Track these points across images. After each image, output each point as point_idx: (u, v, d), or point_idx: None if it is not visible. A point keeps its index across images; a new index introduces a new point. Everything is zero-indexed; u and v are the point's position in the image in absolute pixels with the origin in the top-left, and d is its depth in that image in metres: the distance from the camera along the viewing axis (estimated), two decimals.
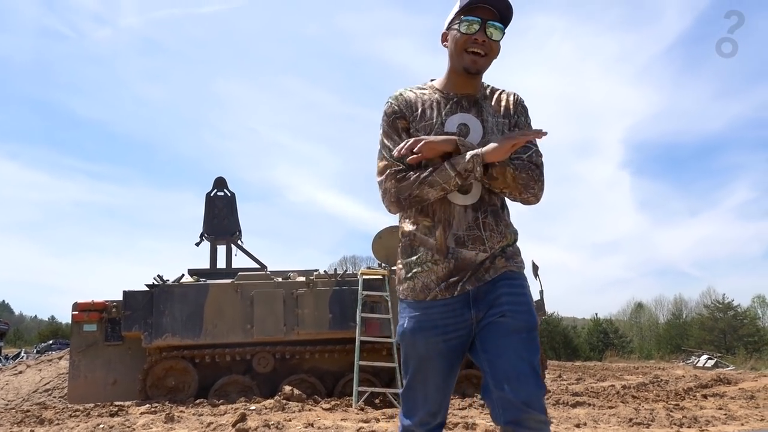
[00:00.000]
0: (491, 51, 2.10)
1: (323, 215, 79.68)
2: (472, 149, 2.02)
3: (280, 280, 9.12)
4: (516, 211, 2.21)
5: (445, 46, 2.19)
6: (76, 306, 8.94)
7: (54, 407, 8.73)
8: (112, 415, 7.31)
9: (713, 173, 70.66)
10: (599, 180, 70.35)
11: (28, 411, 8.16)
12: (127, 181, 79.71)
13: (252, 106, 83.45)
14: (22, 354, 24.58)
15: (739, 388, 10.75)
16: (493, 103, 2.19)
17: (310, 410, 7.20)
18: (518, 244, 2.20)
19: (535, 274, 9.28)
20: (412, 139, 2.03)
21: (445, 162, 2.03)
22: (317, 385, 8.86)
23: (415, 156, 2.02)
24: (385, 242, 9.67)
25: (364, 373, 8.47)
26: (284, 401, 7.58)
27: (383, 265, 9.60)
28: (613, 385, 11.78)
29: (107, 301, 8.97)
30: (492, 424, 5.93)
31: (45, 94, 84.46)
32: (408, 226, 2.16)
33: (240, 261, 10.89)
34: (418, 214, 2.13)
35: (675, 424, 6.23)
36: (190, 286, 8.86)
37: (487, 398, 2.00)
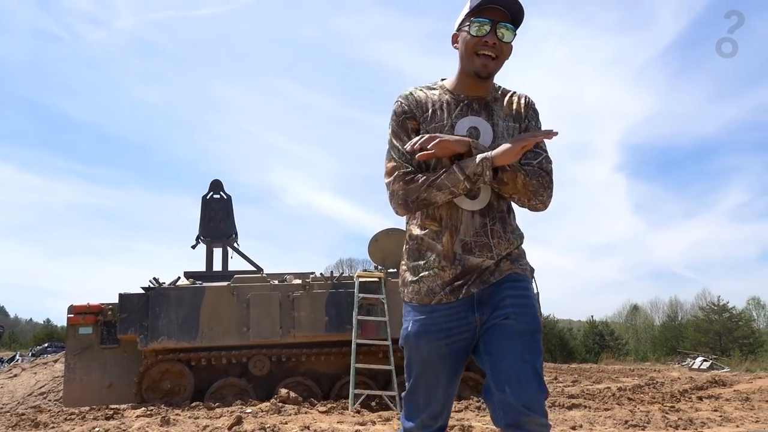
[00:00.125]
0: (502, 53, 2.07)
1: (319, 218, 79.57)
2: (484, 152, 2.00)
3: (276, 282, 9.12)
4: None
5: (455, 47, 2.15)
6: (72, 309, 8.92)
7: (49, 410, 8.71)
8: (107, 419, 7.29)
9: (708, 176, 70.83)
10: (595, 182, 70.48)
11: (23, 414, 8.14)
12: (123, 184, 79.60)
13: (248, 109, 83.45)
14: (18, 357, 24.47)
15: (735, 390, 10.78)
16: (504, 106, 2.16)
17: (306, 413, 7.20)
18: (521, 246, 2.19)
19: (531, 277, 9.29)
20: (426, 135, 2.00)
21: (454, 165, 2.00)
22: (313, 387, 8.85)
23: (426, 152, 1.98)
24: (381, 245, 9.68)
25: (360, 376, 8.46)
26: (280, 404, 7.58)
27: (379, 267, 9.60)
28: (608, 387, 11.79)
29: (103, 304, 8.96)
30: (489, 426, 5.94)
31: (39, 96, 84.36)
32: (416, 230, 2.15)
33: (236, 264, 10.92)
34: (426, 218, 2.11)
35: (670, 426, 6.24)
36: (186, 288, 8.85)
37: (489, 400, 2.00)
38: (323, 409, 7.52)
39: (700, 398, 9.30)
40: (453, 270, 2.05)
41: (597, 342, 36.64)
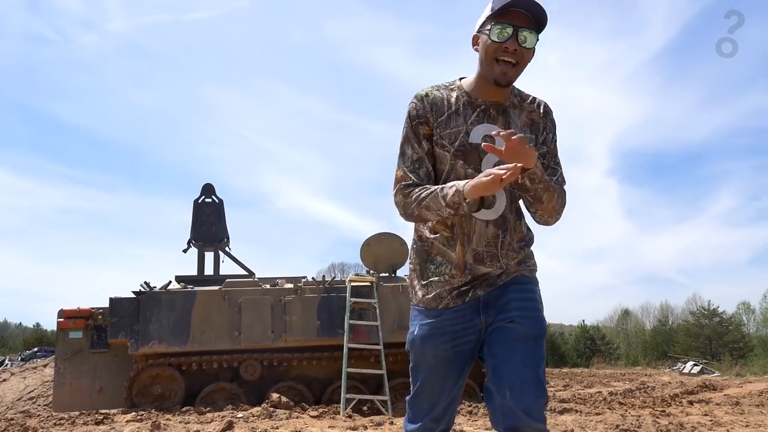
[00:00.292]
0: (522, 59, 1.98)
1: (311, 222, 79.59)
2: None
3: (267, 287, 9.09)
4: None
5: (475, 49, 2.07)
6: (62, 313, 8.87)
7: (38, 415, 8.64)
8: (97, 423, 7.25)
9: (699, 181, 71.26)
10: (587, 187, 70.71)
11: (12, 419, 8.07)
12: (114, 188, 79.27)
13: (240, 113, 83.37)
14: (7, 361, 24.32)
15: (725, 395, 10.83)
16: (521, 114, 2.11)
17: (297, 418, 7.18)
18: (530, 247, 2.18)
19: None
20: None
21: (438, 189, 1.98)
22: (305, 392, 8.83)
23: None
24: (373, 249, 9.69)
25: (351, 381, 8.45)
26: (271, 409, 7.55)
27: (371, 272, 9.60)
28: (600, 392, 11.82)
29: (93, 308, 8.91)
30: (479, 431, 5.94)
31: (31, 100, 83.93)
32: (427, 232, 2.14)
33: (228, 268, 10.88)
34: (438, 222, 2.09)
35: (661, 430, 6.26)
36: (178, 293, 8.81)
37: (489, 403, 2.00)
38: (314, 413, 7.50)
39: (691, 403, 9.34)
40: (463, 278, 2.06)
41: (588, 346, 36.78)
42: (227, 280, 9.33)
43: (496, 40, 1.96)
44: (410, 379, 2.19)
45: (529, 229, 2.19)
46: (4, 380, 11.90)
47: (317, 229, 78.99)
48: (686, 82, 71.47)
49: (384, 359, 8.37)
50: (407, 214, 2.06)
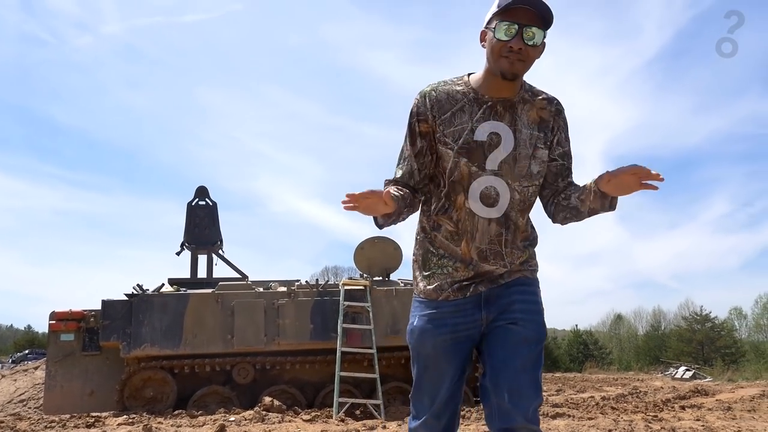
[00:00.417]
0: (528, 57, 1.96)
1: (305, 225, 79.49)
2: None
3: (261, 290, 9.08)
4: None
5: (482, 46, 2.04)
6: (54, 315, 8.82)
7: (29, 418, 8.59)
8: (88, 426, 7.21)
9: (692, 187, 71.57)
10: None
11: (2, 422, 8.02)
12: (108, 190, 78.86)
13: (235, 116, 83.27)
14: None
15: (717, 400, 10.86)
16: (530, 111, 2.08)
17: (290, 421, 7.16)
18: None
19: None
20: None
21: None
22: (297, 396, 8.81)
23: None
24: (367, 253, 9.68)
25: (344, 384, 8.43)
26: (264, 412, 7.53)
27: (365, 275, 9.60)
28: (592, 397, 11.84)
29: (85, 311, 8.86)
30: None
31: (25, 101, 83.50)
32: (429, 224, 2.14)
33: (221, 271, 10.83)
34: (442, 214, 2.09)
35: None
36: (170, 295, 8.79)
37: (485, 402, 2.01)
38: (307, 417, 7.48)
39: (683, 408, 9.36)
40: (466, 273, 2.06)
41: (581, 351, 36.86)
42: (220, 283, 9.31)
43: (501, 38, 1.94)
44: (412, 373, 2.19)
45: (533, 228, 2.18)
46: None
47: (311, 233, 78.99)
48: (680, 87, 71.89)
49: (377, 363, 8.37)
50: None
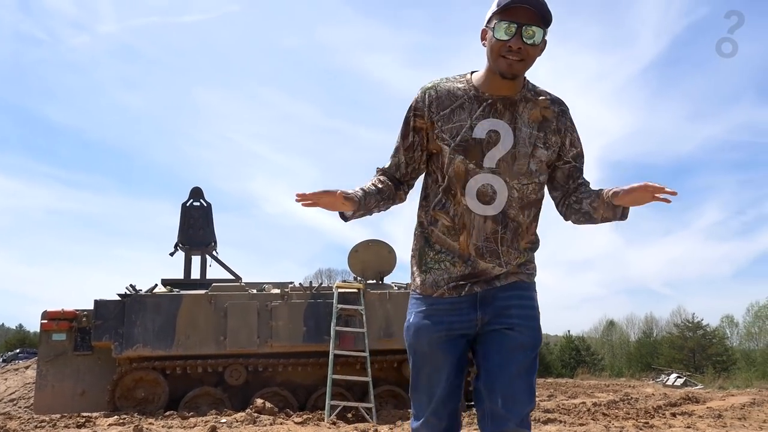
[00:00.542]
0: (528, 57, 1.96)
1: (300, 227, 79.38)
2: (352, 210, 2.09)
3: (254, 291, 9.07)
4: None
5: (483, 44, 2.04)
6: (46, 314, 8.80)
7: (19, 417, 8.56)
8: (78, 427, 7.19)
9: (685, 194, 71.50)
10: None
11: None
12: (102, 189, 78.47)
13: (230, 116, 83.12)
14: None
15: (707, 407, 10.89)
16: (533, 110, 2.07)
17: (281, 424, 7.15)
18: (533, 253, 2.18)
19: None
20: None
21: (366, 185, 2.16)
22: (289, 398, 8.79)
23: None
24: (361, 256, 9.68)
25: (337, 387, 8.43)
26: (255, 414, 7.52)
27: (359, 278, 9.60)
28: (584, 402, 11.85)
29: (78, 310, 8.84)
30: None
31: (20, 100, 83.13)
32: (427, 219, 2.14)
33: (215, 272, 10.83)
34: (440, 210, 2.10)
35: None
36: (163, 296, 8.77)
37: (479, 407, 2.02)
38: (299, 420, 7.47)
39: (674, 415, 9.39)
40: (463, 269, 2.05)
41: (573, 357, 36.87)
42: (214, 284, 9.29)
43: (500, 37, 1.94)
44: (410, 373, 2.19)
45: (536, 236, 2.17)
46: None
47: (305, 235, 78.86)
48: (675, 95, 72.07)
49: (370, 366, 8.36)
50: None
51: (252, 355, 8.72)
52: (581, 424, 7.70)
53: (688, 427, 7.56)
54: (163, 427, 6.80)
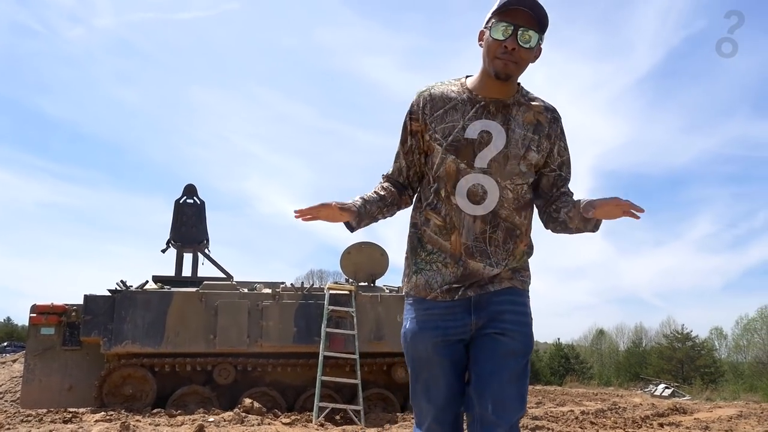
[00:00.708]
0: (521, 59, 1.98)
1: (293, 228, 79.46)
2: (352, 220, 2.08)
3: (245, 291, 9.05)
4: None
5: (480, 45, 2.06)
6: (35, 308, 8.76)
7: (5, 411, 8.50)
8: (65, 422, 7.14)
9: (678, 205, 72.05)
10: None
11: None
12: (95, 184, 78.17)
13: (226, 115, 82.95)
14: None
15: (695, 418, 10.92)
16: (526, 114, 2.09)
17: (269, 424, 7.14)
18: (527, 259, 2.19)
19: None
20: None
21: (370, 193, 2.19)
22: (278, 398, 8.77)
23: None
24: (353, 258, 9.68)
25: (326, 389, 8.42)
26: (243, 414, 7.50)
27: (350, 280, 9.59)
28: (572, 411, 11.86)
29: (67, 305, 8.80)
30: None
31: (13, 92, 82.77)
32: (419, 219, 2.16)
33: (206, 270, 10.83)
34: (431, 210, 2.11)
35: None
36: (154, 293, 8.74)
37: (468, 412, 2.02)
38: (287, 420, 7.45)
39: (661, 425, 9.41)
40: (455, 269, 2.06)
41: (562, 365, 36.93)
42: (205, 282, 9.27)
43: (497, 37, 1.96)
44: (410, 380, 2.19)
45: (530, 242, 2.18)
46: None
47: (298, 235, 78.96)
48: (670, 106, 72.38)
49: (359, 369, 8.35)
50: None
51: (241, 355, 8.70)
52: None
53: None
54: (150, 424, 6.77)
